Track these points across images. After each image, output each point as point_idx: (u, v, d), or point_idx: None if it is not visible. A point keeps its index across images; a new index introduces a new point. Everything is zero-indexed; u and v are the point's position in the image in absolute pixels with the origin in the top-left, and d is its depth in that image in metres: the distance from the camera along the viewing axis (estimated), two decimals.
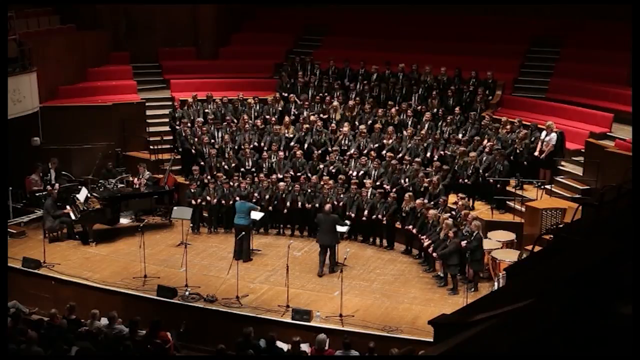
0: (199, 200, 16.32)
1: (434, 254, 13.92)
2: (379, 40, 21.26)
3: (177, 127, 18.25)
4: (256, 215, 15.49)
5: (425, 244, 14.15)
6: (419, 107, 18.00)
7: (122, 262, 14.92)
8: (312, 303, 13.03)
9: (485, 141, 16.38)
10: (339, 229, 14.67)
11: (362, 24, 22.19)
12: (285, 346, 11.23)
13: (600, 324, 3.34)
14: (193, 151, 17.68)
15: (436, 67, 19.05)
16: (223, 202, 16.25)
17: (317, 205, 15.69)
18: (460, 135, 16.84)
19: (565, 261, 4.31)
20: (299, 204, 16.02)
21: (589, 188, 14.94)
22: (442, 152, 16.51)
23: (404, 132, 17.22)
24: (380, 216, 15.41)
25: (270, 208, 16.16)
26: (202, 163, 17.29)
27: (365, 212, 15.46)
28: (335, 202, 15.55)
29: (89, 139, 18.67)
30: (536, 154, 15.78)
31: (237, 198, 15.92)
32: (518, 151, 15.93)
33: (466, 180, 15.62)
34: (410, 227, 14.86)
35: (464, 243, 13.24)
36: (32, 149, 17.89)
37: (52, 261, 14.69)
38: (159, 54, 21.76)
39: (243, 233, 14.57)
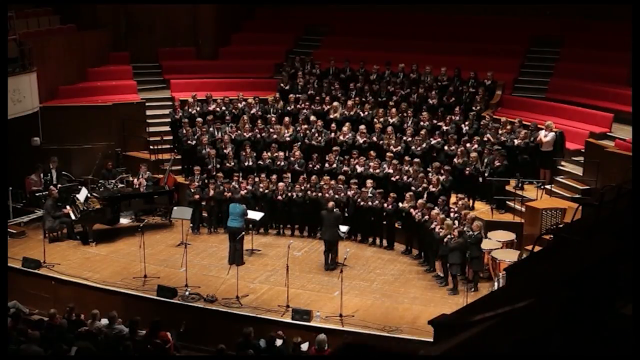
0: (197, 196, 16.26)
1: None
2: (379, 40, 21.24)
3: (177, 128, 18.24)
4: (256, 215, 15.48)
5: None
6: (420, 108, 17.98)
7: (122, 262, 14.93)
8: (312, 303, 13.04)
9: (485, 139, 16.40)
10: (340, 228, 14.66)
11: (362, 24, 22.18)
12: (279, 341, 11.26)
13: (600, 324, 3.34)
14: (192, 151, 17.67)
15: (436, 67, 19.03)
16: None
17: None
18: (459, 136, 16.83)
19: (565, 261, 4.31)
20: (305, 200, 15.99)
21: (589, 188, 14.94)
22: (442, 153, 16.49)
23: (404, 132, 17.20)
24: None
25: (267, 198, 16.13)
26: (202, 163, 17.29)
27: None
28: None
29: (89, 139, 18.67)
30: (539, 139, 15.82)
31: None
32: (517, 150, 15.95)
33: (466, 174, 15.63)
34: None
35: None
36: (32, 149, 17.89)
37: (52, 261, 14.70)
38: (159, 54, 21.74)
39: (242, 234, 14.58)
